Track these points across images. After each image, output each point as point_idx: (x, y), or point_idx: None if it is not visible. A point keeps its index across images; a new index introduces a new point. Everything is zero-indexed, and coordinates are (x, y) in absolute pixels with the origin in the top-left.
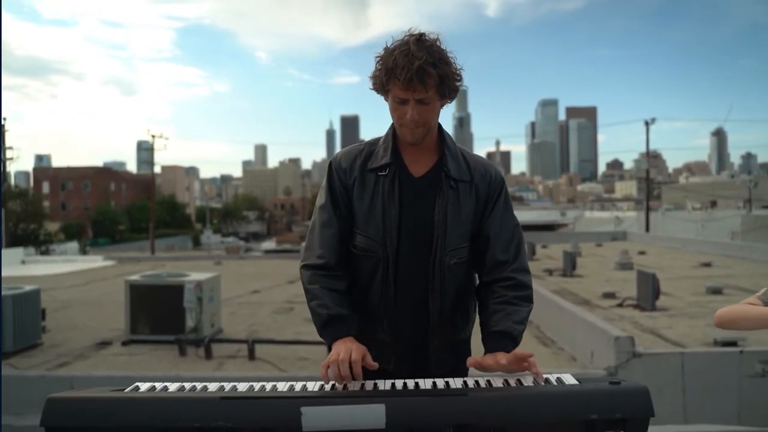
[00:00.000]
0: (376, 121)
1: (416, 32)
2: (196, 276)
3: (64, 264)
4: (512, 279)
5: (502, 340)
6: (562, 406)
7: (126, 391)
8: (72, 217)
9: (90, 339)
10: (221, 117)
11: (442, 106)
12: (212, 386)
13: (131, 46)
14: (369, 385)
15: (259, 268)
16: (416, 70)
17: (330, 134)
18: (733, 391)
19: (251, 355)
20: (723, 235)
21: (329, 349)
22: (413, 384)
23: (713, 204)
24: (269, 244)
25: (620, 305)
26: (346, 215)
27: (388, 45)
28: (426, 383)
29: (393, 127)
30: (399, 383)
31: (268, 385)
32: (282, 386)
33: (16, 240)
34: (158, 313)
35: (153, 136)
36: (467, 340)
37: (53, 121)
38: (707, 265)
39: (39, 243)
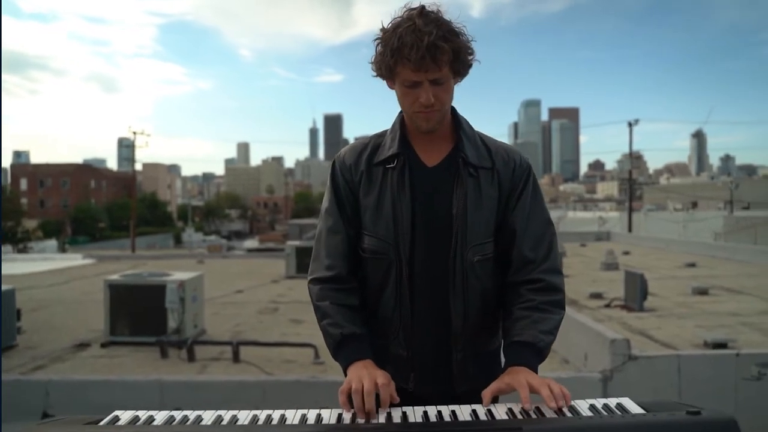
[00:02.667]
0: (360, 120)
1: (415, 6)
2: (178, 275)
3: (42, 262)
4: (542, 281)
5: (524, 351)
6: None
7: (103, 423)
8: (51, 214)
9: (68, 340)
10: (204, 115)
11: (455, 84)
12: (208, 416)
13: (113, 42)
14: (397, 414)
15: (243, 267)
16: (427, 47)
17: (313, 133)
18: (729, 393)
19: (236, 358)
20: (705, 236)
21: (345, 372)
22: (449, 412)
23: (694, 205)
24: (252, 243)
25: (608, 306)
26: (353, 217)
27: (386, 25)
28: (464, 412)
29: (401, 116)
30: (432, 411)
31: (276, 415)
32: (291, 415)
33: None
34: (139, 314)
35: (135, 133)
36: (497, 351)
37: (33, 118)
38: (692, 265)
39: (17, 241)
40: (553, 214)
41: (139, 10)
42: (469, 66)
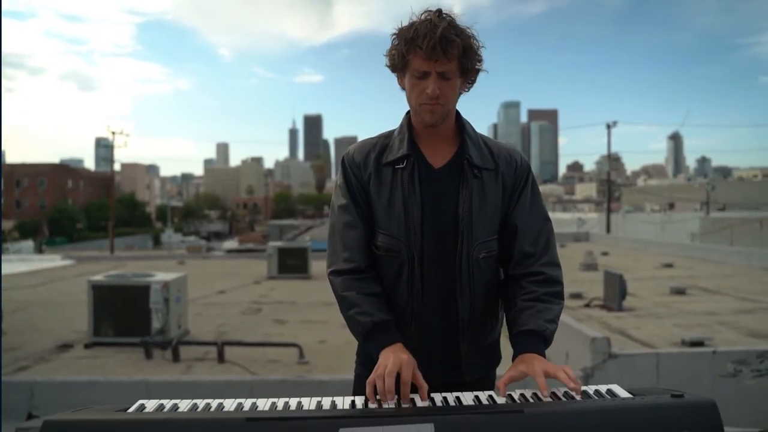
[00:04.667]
0: (339, 120)
1: (434, 8)
2: (162, 276)
3: (19, 263)
4: (542, 274)
5: (532, 339)
6: (625, 423)
7: (131, 410)
8: (27, 215)
9: (50, 341)
10: (183, 114)
11: (461, 89)
12: (229, 404)
13: (91, 40)
14: (406, 401)
15: (223, 267)
16: (439, 38)
17: (293, 133)
18: (706, 390)
19: (221, 358)
20: (682, 237)
21: (371, 357)
22: (454, 399)
23: (671, 206)
24: (231, 244)
25: (588, 305)
26: (367, 213)
27: (403, 25)
28: (467, 398)
29: (408, 117)
30: (438, 398)
31: (293, 402)
32: (307, 402)
33: None
34: (123, 315)
35: (113, 133)
36: (497, 342)
37: (8, 116)
38: (669, 266)
39: None
40: None
41: (117, 9)
42: (476, 70)
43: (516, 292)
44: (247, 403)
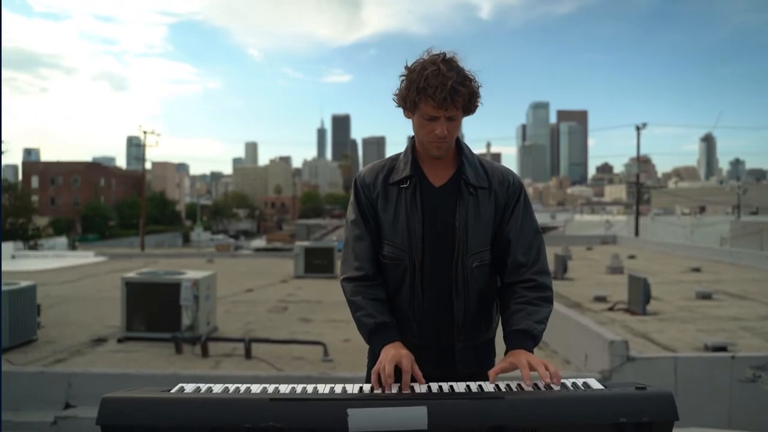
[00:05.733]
0: (367, 121)
1: (438, 52)
2: (192, 274)
3: (55, 259)
4: (533, 281)
5: (522, 338)
6: (593, 410)
7: (173, 391)
8: (61, 212)
9: (85, 335)
10: (213, 114)
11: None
12: (255, 388)
13: (123, 40)
14: (406, 388)
15: (251, 266)
16: (449, 90)
17: (321, 133)
18: (725, 395)
19: (248, 354)
20: (712, 241)
21: (377, 355)
22: (448, 387)
23: (702, 209)
24: (259, 242)
25: (611, 309)
26: (375, 227)
27: (409, 65)
28: (460, 386)
29: (412, 142)
30: (435, 386)
31: (310, 387)
32: (323, 388)
33: (4, 234)
34: (154, 311)
35: (144, 132)
36: (491, 341)
37: (43, 115)
38: (697, 270)
39: (27, 238)
40: (560, 217)
41: (149, 10)
42: (476, 107)
43: (510, 296)
44: (271, 388)
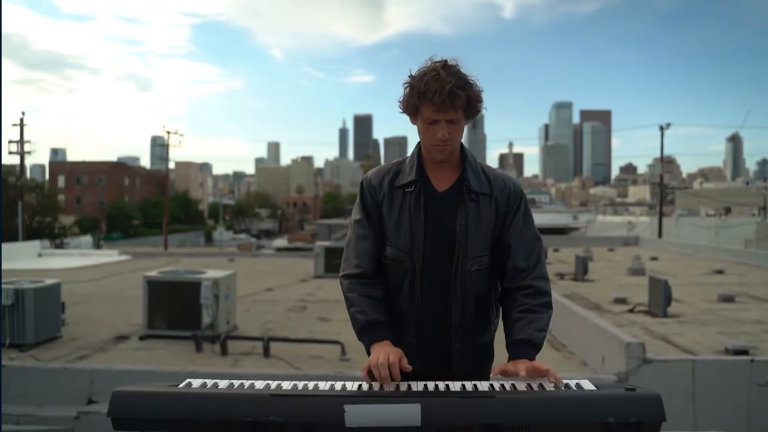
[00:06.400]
0: (389, 121)
1: (439, 59)
2: (212, 273)
3: (80, 258)
4: (532, 287)
5: (525, 347)
6: (582, 410)
7: (180, 386)
8: (87, 211)
9: (108, 333)
10: (235, 114)
11: (465, 125)
12: (259, 384)
13: (147, 41)
14: (403, 386)
15: (272, 266)
16: (448, 93)
17: (343, 133)
18: (742, 399)
19: (266, 353)
20: (737, 243)
21: (368, 352)
22: (443, 386)
23: (727, 210)
24: (281, 242)
25: (631, 311)
26: (378, 228)
27: (413, 72)
28: (455, 385)
29: (419, 147)
30: (431, 385)
31: (311, 384)
32: (323, 385)
33: (31, 233)
34: (175, 309)
35: (168, 132)
36: (489, 343)
37: (69, 116)
38: (720, 272)
39: (53, 236)
40: (582, 218)
41: (173, 11)
42: (479, 112)
43: (511, 304)
44: (274, 384)
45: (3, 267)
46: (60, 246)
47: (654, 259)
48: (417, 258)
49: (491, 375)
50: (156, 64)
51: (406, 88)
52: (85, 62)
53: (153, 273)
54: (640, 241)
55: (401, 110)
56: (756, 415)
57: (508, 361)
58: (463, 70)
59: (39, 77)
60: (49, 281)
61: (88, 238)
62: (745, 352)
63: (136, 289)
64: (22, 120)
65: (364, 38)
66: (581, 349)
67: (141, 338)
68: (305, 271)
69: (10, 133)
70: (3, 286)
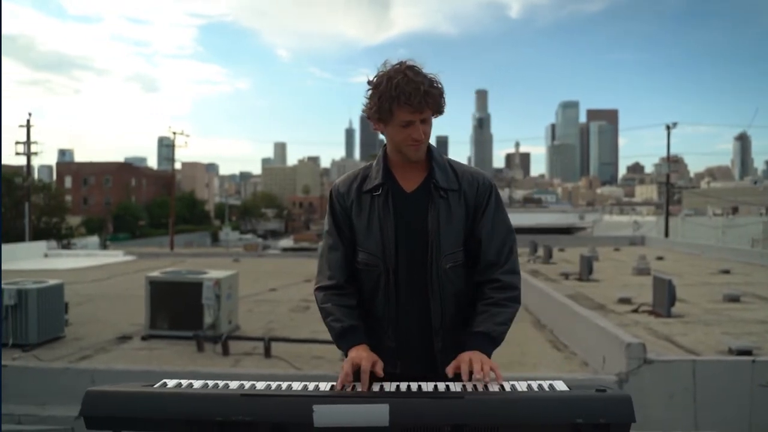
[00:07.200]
0: None
1: (397, 62)
2: (214, 274)
3: (85, 258)
4: (499, 281)
5: (481, 340)
6: (551, 411)
7: (155, 386)
8: (93, 211)
9: (111, 333)
10: (242, 114)
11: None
12: (233, 384)
13: (154, 42)
14: (376, 386)
15: (277, 266)
16: (423, 94)
17: (349, 133)
18: (744, 400)
19: (267, 353)
20: (744, 242)
21: (346, 357)
22: (416, 386)
23: (735, 210)
24: (287, 242)
25: (635, 311)
26: (349, 236)
27: (371, 79)
28: (428, 386)
29: (384, 150)
30: (404, 385)
31: (284, 384)
32: (296, 386)
33: (38, 234)
34: (177, 310)
35: (174, 133)
36: None
37: (76, 116)
38: (726, 272)
39: (60, 237)
40: (589, 218)
41: (179, 12)
42: (444, 108)
43: (478, 297)
44: (248, 384)
45: (9, 267)
46: (67, 246)
47: (660, 258)
48: (389, 261)
49: (449, 374)
50: (162, 64)
51: (373, 95)
52: (92, 63)
53: (155, 273)
54: (647, 241)
55: (367, 117)
56: (757, 415)
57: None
58: (425, 70)
59: (46, 78)
60: (52, 281)
61: (94, 239)
62: (748, 353)
63: (139, 289)
64: (28, 121)
65: (370, 38)
66: (583, 350)
67: (143, 338)
68: (309, 271)
69: (17, 134)
70: (6, 286)
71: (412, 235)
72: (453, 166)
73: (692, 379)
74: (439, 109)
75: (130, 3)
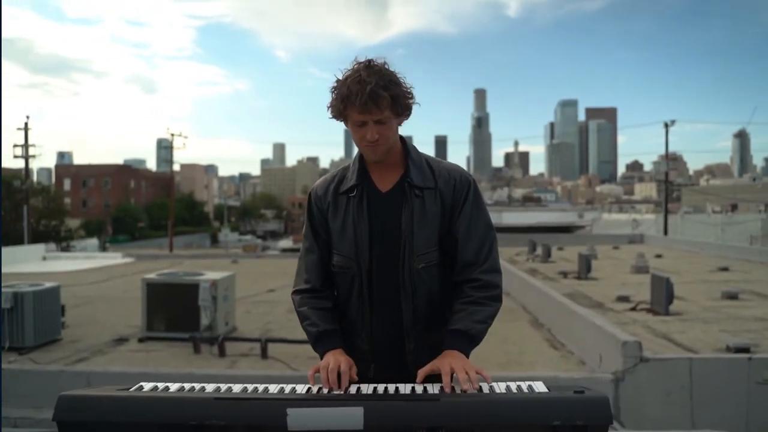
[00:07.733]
0: None
1: (364, 60)
2: (211, 275)
3: (84, 260)
4: (479, 280)
5: (459, 338)
6: (528, 412)
7: (131, 390)
8: (93, 214)
9: (108, 335)
10: (241, 115)
11: (400, 123)
12: (209, 387)
13: (153, 44)
14: (352, 388)
15: (275, 267)
16: (369, 94)
17: (348, 133)
18: (741, 397)
19: (264, 354)
20: (743, 239)
21: (321, 359)
22: (393, 389)
23: (734, 207)
24: (286, 243)
25: (634, 309)
26: (326, 239)
27: (339, 77)
28: (405, 388)
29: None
30: (380, 388)
31: (261, 387)
32: (273, 388)
33: (37, 236)
34: (174, 311)
35: (173, 135)
36: None
37: (75, 119)
38: (725, 269)
39: (60, 239)
40: (588, 216)
41: (178, 13)
42: (409, 108)
43: (457, 296)
44: (224, 387)
45: (7, 270)
46: (66, 249)
47: (658, 256)
48: (363, 263)
49: (418, 379)
50: (161, 66)
51: (333, 92)
52: (91, 65)
53: (152, 275)
54: (645, 239)
55: (330, 116)
56: (755, 413)
57: (441, 351)
58: (389, 69)
59: (45, 81)
60: (48, 284)
61: (94, 241)
62: (746, 350)
63: (137, 291)
64: (26, 124)
65: (369, 38)
66: (580, 349)
67: (140, 340)
68: None
69: (16, 137)
70: (2, 289)
71: (386, 236)
72: (430, 163)
73: (689, 377)
74: (398, 110)
75: (129, 5)
